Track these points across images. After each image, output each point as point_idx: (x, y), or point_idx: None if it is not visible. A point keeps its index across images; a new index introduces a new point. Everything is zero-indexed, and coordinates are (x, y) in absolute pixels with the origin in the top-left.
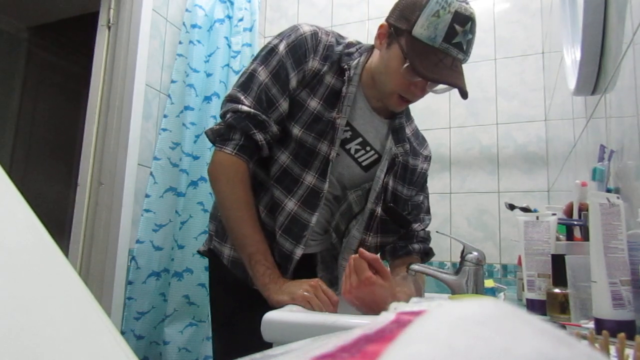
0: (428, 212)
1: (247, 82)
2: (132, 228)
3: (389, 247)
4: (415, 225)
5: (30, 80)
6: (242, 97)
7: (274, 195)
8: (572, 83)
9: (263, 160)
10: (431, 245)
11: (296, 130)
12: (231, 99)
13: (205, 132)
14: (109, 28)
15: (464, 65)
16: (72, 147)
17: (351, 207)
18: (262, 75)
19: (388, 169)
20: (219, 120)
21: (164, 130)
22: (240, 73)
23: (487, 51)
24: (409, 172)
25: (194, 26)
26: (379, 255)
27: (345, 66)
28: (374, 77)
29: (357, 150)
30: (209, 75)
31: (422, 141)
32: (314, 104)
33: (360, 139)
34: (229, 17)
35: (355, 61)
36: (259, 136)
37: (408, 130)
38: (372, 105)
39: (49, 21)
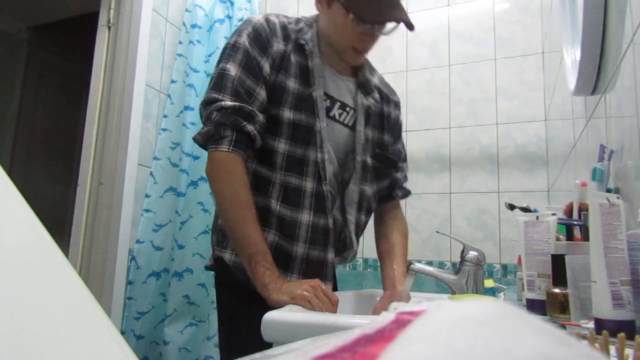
0: (405, 159)
1: (218, 82)
2: (132, 228)
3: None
4: (397, 174)
5: (30, 80)
6: (220, 96)
7: (289, 183)
8: (572, 83)
9: (261, 157)
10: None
11: (287, 113)
12: (209, 101)
13: (194, 139)
14: (109, 28)
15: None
16: (72, 147)
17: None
18: (233, 70)
19: (365, 120)
20: None
21: (164, 130)
22: (210, 78)
23: (487, 51)
24: (385, 119)
25: (194, 26)
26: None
27: (302, 41)
28: (328, 40)
29: (340, 114)
30: (209, 75)
31: (391, 89)
32: (292, 84)
33: (338, 103)
34: (229, 17)
35: (309, 34)
36: (249, 127)
37: (375, 80)
38: (336, 69)
39: (49, 21)
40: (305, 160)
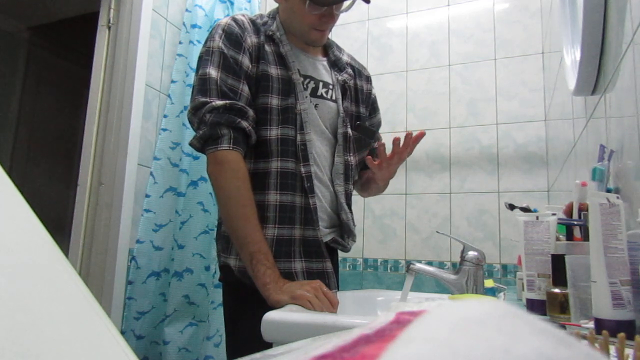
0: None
1: (202, 87)
2: (132, 228)
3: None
4: (375, 144)
5: (30, 80)
6: (207, 99)
7: (287, 168)
8: (572, 83)
9: (257, 152)
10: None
11: (275, 100)
12: (198, 106)
13: (190, 144)
14: (109, 28)
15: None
16: (72, 147)
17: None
18: (213, 73)
19: (342, 95)
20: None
21: (164, 130)
22: (192, 86)
23: (487, 51)
24: (359, 92)
25: (194, 26)
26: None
27: (270, 32)
28: (290, 27)
29: (326, 92)
30: None
31: (361, 64)
32: (274, 71)
33: (321, 83)
34: None
35: (273, 25)
36: (244, 124)
37: (345, 57)
38: (309, 51)
39: (49, 21)
40: (295, 143)
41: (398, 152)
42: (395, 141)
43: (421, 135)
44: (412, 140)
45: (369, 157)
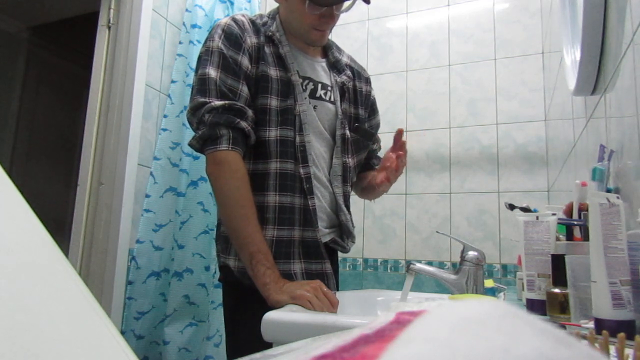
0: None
1: (202, 87)
2: (132, 228)
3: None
4: (373, 145)
5: (30, 80)
6: (207, 99)
7: (286, 169)
8: (572, 83)
9: (256, 153)
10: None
11: (274, 102)
12: (197, 106)
13: (190, 145)
14: (109, 28)
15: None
16: (72, 147)
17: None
18: (212, 73)
19: (341, 96)
20: None
21: (164, 130)
22: (192, 86)
23: (487, 51)
24: (358, 94)
25: (194, 26)
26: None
27: (269, 33)
28: (290, 27)
29: (325, 94)
30: None
31: (361, 66)
32: (273, 72)
33: (320, 84)
34: None
35: (273, 26)
36: (243, 124)
37: (345, 59)
38: (308, 52)
39: (49, 21)
40: (294, 144)
41: (402, 164)
42: (399, 156)
43: (400, 132)
44: (397, 138)
45: (378, 177)
